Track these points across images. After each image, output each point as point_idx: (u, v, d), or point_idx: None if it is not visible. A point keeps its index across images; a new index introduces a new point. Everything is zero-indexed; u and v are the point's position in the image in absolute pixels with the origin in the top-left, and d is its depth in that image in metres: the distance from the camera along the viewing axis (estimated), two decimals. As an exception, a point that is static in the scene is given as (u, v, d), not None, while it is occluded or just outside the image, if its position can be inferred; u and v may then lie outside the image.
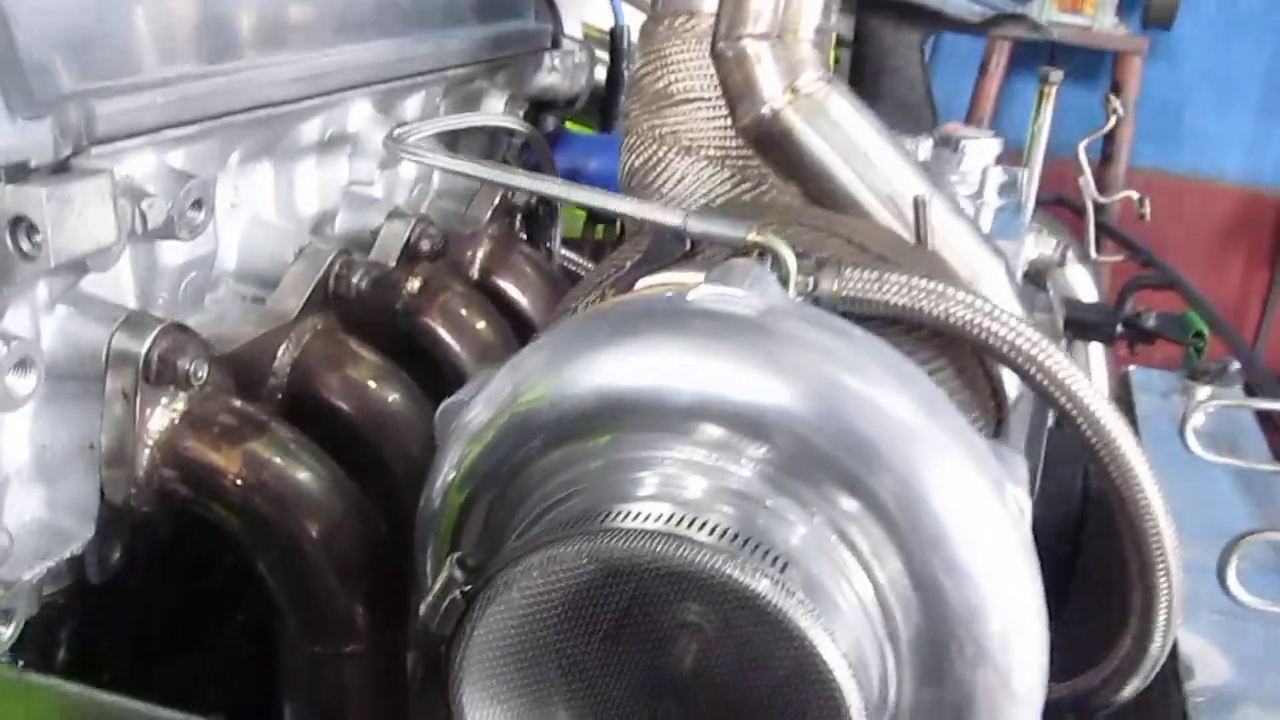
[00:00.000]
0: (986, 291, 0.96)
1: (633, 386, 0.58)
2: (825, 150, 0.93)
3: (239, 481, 0.71)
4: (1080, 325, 1.86)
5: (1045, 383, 0.70)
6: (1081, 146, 1.88)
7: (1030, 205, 1.73)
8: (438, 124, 0.95)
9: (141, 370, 0.68)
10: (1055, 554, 1.34)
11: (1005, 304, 0.96)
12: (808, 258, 0.72)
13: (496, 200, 1.10)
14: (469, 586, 0.56)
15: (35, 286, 0.64)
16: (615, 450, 0.58)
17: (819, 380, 0.57)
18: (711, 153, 1.03)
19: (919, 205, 0.89)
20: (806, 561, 0.54)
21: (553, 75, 1.23)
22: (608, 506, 0.55)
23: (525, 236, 1.16)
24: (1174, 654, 0.94)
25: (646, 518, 0.54)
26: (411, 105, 1.02)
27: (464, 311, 0.98)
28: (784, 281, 0.68)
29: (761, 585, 0.51)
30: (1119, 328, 1.82)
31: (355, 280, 0.85)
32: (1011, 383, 0.87)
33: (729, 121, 0.95)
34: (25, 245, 0.58)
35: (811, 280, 0.70)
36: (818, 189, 0.95)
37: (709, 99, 1.01)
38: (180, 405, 0.70)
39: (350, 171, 0.95)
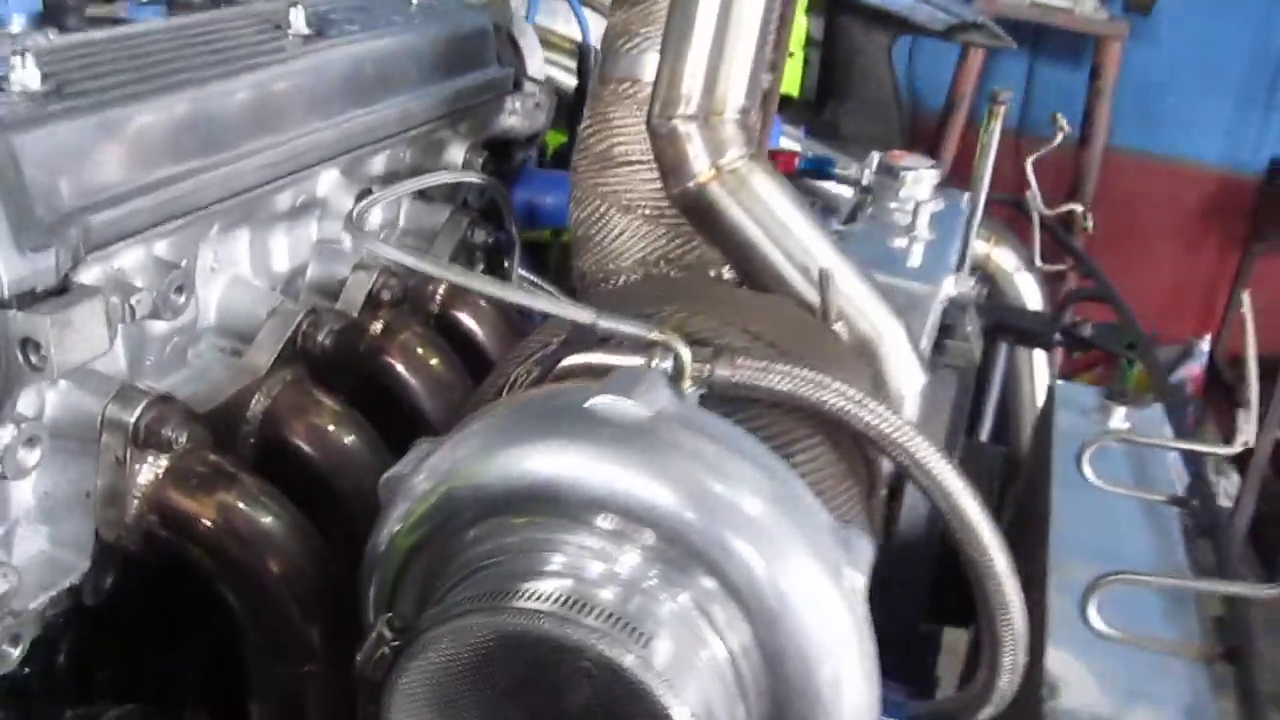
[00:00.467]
0: (887, 350, 1.08)
1: (540, 480, 0.71)
2: (746, 221, 1.05)
3: (211, 526, 0.84)
4: (1021, 333, 1.99)
5: (905, 461, 0.83)
6: (1029, 162, 1.99)
7: (976, 219, 1.86)
8: (399, 189, 1.06)
9: (131, 436, 0.80)
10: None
11: (904, 361, 1.09)
12: (706, 346, 0.84)
13: (457, 239, 1.22)
14: (396, 643, 0.69)
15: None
16: (528, 530, 0.71)
17: (688, 483, 0.69)
18: (648, 212, 1.15)
19: (824, 278, 1.02)
20: (670, 635, 0.67)
21: (513, 118, 1.34)
22: (512, 584, 0.68)
23: (485, 269, 1.28)
24: (1041, 673, 1.08)
25: (540, 597, 0.67)
26: (377, 164, 1.14)
27: (420, 350, 1.11)
28: (680, 374, 0.80)
29: (627, 660, 0.64)
30: (1057, 336, 1.94)
31: (320, 338, 0.97)
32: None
33: (664, 185, 1.06)
34: (34, 359, 0.70)
35: (708, 368, 0.82)
36: (738, 255, 1.07)
37: (647, 163, 1.12)
38: (163, 463, 0.83)
39: (319, 230, 1.07)
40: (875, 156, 1.62)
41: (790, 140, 1.99)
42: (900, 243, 1.44)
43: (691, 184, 1.04)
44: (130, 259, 0.82)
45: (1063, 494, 1.38)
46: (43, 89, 0.77)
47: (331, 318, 1.01)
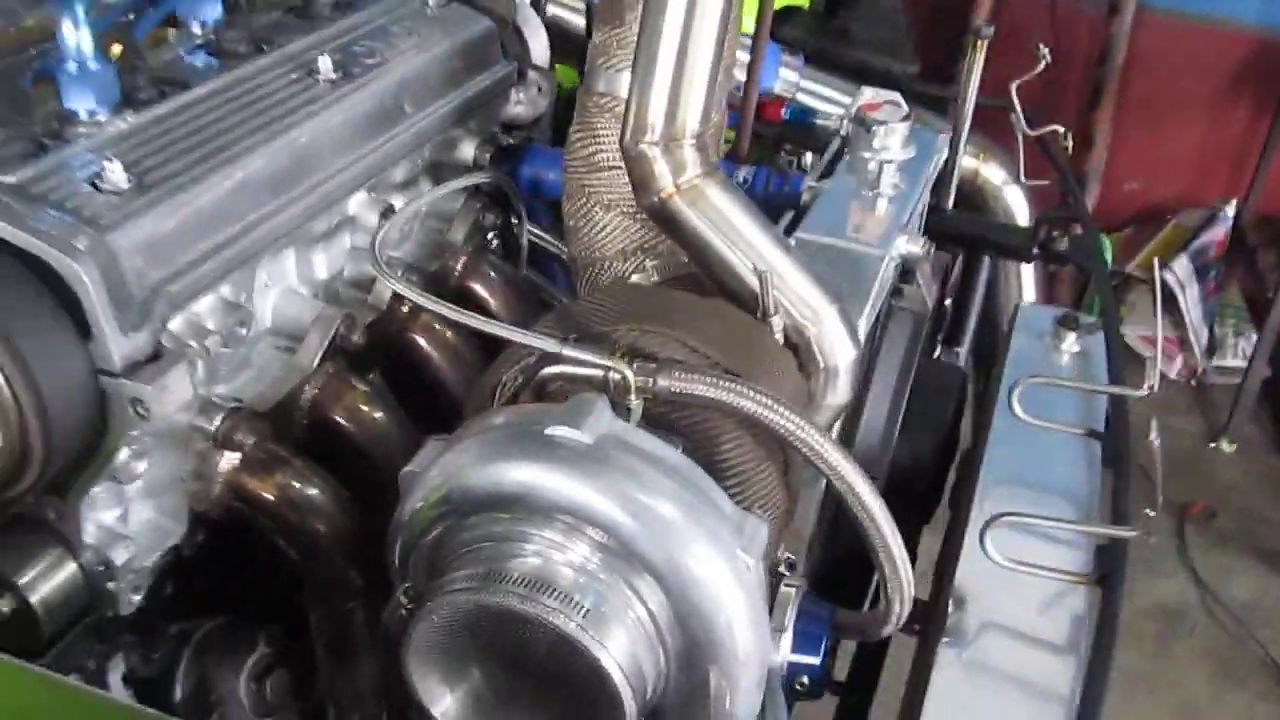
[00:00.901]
0: (823, 330, 1.31)
1: (514, 489, 0.96)
2: (703, 228, 1.27)
3: (272, 500, 1.11)
4: (1003, 248, 2.19)
5: (803, 449, 1.06)
6: (1014, 86, 2.14)
7: (960, 148, 2.04)
8: (421, 201, 1.29)
9: (211, 439, 1.07)
10: (922, 478, 1.72)
11: (837, 339, 1.32)
12: (651, 361, 1.08)
13: (471, 221, 1.46)
14: (410, 608, 0.97)
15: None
16: (507, 524, 0.97)
17: (620, 493, 0.94)
18: (626, 209, 1.37)
19: (762, 280, 1.24)
20: (604, 604, 0.94)
21: (518, 107, 1.55)
22: (492, 567, 0.95)
23: (499, 244, 1.52)
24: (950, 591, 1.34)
25: (508, 579, 0.93)
26: (398, 174, 1.36)
27: (438, 327, 1.36)
28: (627, 390, 1.04)
29: (570, 627, 0.91)
30: (1035, 250, 2.13)
31: (355, 337, 1.22)
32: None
33: (639, 190, 1.28)
34: (141, 411, 0.96)
35: (651, 381, 1.06)
36: (697, 255, 1.29)
37: (624, 169, 1.33)
38: (236, 457, 1.10)
39: (351, 240, 1.31)
40: (854, 105, 1.80)
41: (789, 70, 2.15)
42: (867, 198, 1.64)
43: (657, 198, 1.26)
44: (203, 306, 1.07)
45: (1000, 423, 1.61)
46: (129, 186, 1.01)
47: (365, 312, 1.26)
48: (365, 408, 1.23)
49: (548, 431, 0.97)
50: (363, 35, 1.37)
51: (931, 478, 1.73)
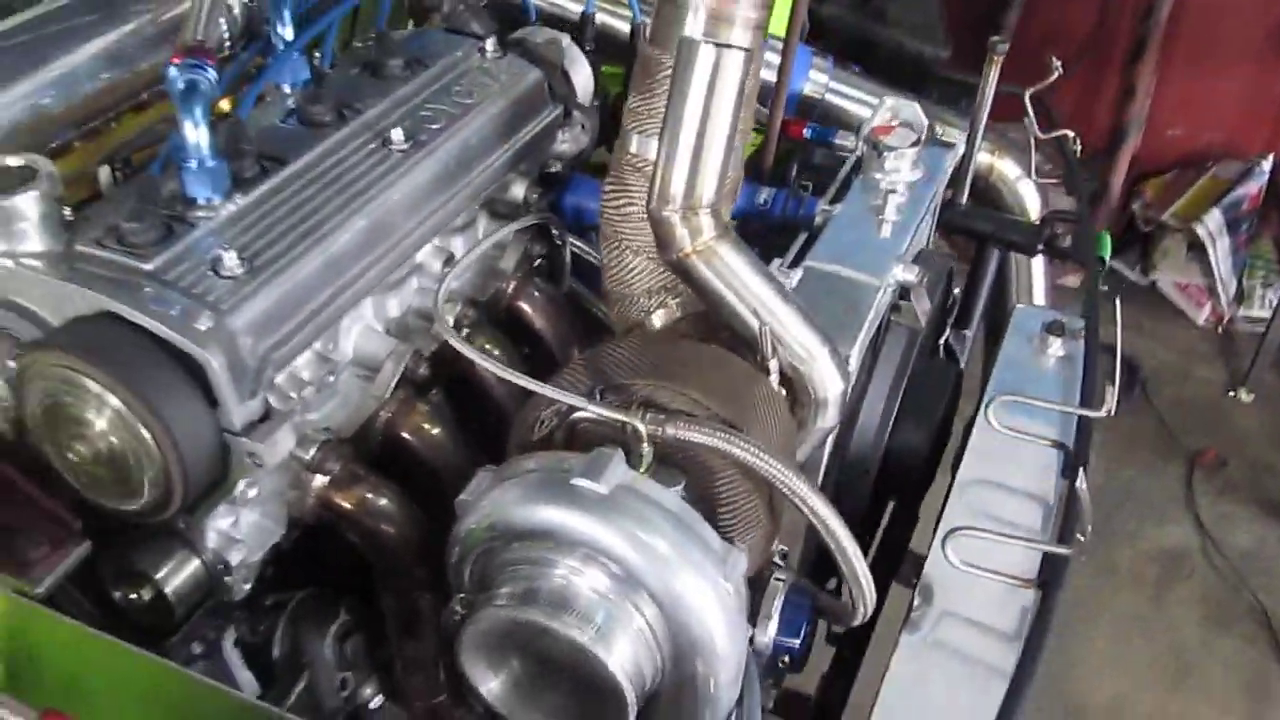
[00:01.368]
0: (816, 367, 1.54)
1: (544, 527, 1.22)
2: (716, 282, 1.50)
3: (352, 510, 1.38)
4: (1010, 242, 2.38)
5: (784, 488, 1.31)
6: (1027, 94, 2.31)
7: (973, 157, 2.22)
8: (475, 251, 1.53)
9: (307, 465, 1.34)
10: (915, 463, 1.96)
11: (827, 374, 1.55)
12: (663, 412, 1.32)
13: (520, 252, 1.69)
14: (463, 614, 1.24)
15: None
16: (539, 552, 1.23)
17: (627, 535, 1.20)
18: (652, 255, 1.59)
19: (762, 334, 1.47)
20: (611, 619, 1.20)
21: (564, 145, 1.77)
22: (525, 587, 1.21)
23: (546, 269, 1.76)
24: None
25: (537, 600, 1.19)
26: (459, 220, 1.60)
27: (485, 345, 1.61)
28: (639, 439, 1.29)
29: (584, 639, 1.17)
30: (1040, 246, 2.33)
31: (420, 369, 1.48)
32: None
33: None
34: (256, 462, 1.23)
35: (661, 430, 1.31)
36: (711, 304, 1.52)
37: (651, 222, 1.56)
38: (326, 478, 1.36)
39: (419, 282, 1.55)
40: (869, 124, 2.00)
41: (819, 73, 2.33)
42: (871, 225, 1.85)
43: (676, 256, 1.49)
44: (300, 361, 1.33)
45: (977, 435, 1.83)
46: (242, 272, 1.26)
47: (429, 340, 1.51)
48: (429, 428, 1.49)
49: (573, 482, 1.22)
50: (428, 97, 1.59)
51: (924, 463, 1.95)
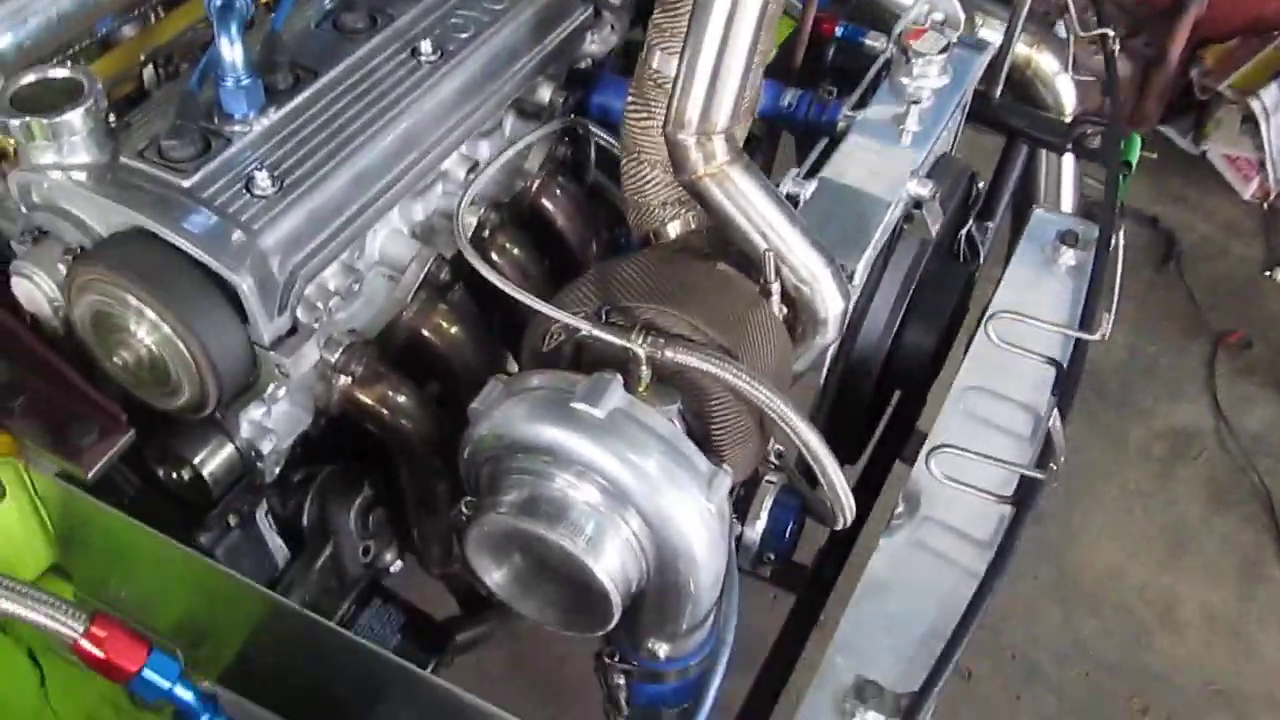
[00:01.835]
0: (819, 287, 1.60)
1: (545, 443, 1.32)
2: (726, 204, 1.56)
3: (373, 404, 1.50)
4: (1039, 140, 2.39)
5: (769, 411, 1.40)
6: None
7: (1011, 48, 2.20)
8: (505, 155, 1.60)
9: (332, 366, 1.44)
10: (921, 360, 2.03)
11: (829, 294, 1.61)
12: (663, 335, 1.41)
13: (546, 152, 1.75)
14: (469, 515, 1.36)
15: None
16: (540, 465, 1.34)
17: (619, 454, 1.30)
18: (668, 169, 1.64)
19: (766, 259, 1.53)
20: (601, 529, 1.31)
21: (592, 46, 1.80)
22: (525, 495, 1.32)
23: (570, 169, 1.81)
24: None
25: (534, 509, 1.31)
26: (485, 125, 1.65)
27: (506, 245, 1.69)
28: (638, 362, 1.38)
29: (576, 548, 1.29)
30: (1068, 145, 2.34)
31: (442, 274, 1.56)
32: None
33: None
34: (283, 372, 1.33)
35: (660, 352, 1.40)
36: (722, 224, 1.58)
37: (669, 138, 1.61)
38: (349, 377, 1.47)
39: (444, 188, 1.62)
40: (900, 26, 2.00)
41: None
42: (892, 135, 1.88)
43: (690, 177, 1.55)
44: (327, 273, 1.42)
45: (976, 347, 1.90)
46: (273, 190, 1.34)
47: (450, 246, 1.59)
48: (449, 328, 1.59)
49: (572, 405, 1.32)
50: (458, 3, 1.62)
51: (930, 359, 2.01)
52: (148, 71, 1.56)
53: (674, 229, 1.68)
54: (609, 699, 1.55)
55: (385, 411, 1.51)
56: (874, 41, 2.08)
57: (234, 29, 1.36)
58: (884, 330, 1.93)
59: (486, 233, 1.66)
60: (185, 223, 1.29)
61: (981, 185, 2.44)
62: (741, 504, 1.66)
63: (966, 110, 2.21)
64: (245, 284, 1.28)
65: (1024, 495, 1.65)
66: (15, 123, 1.31)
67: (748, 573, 1.68)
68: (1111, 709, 2.99)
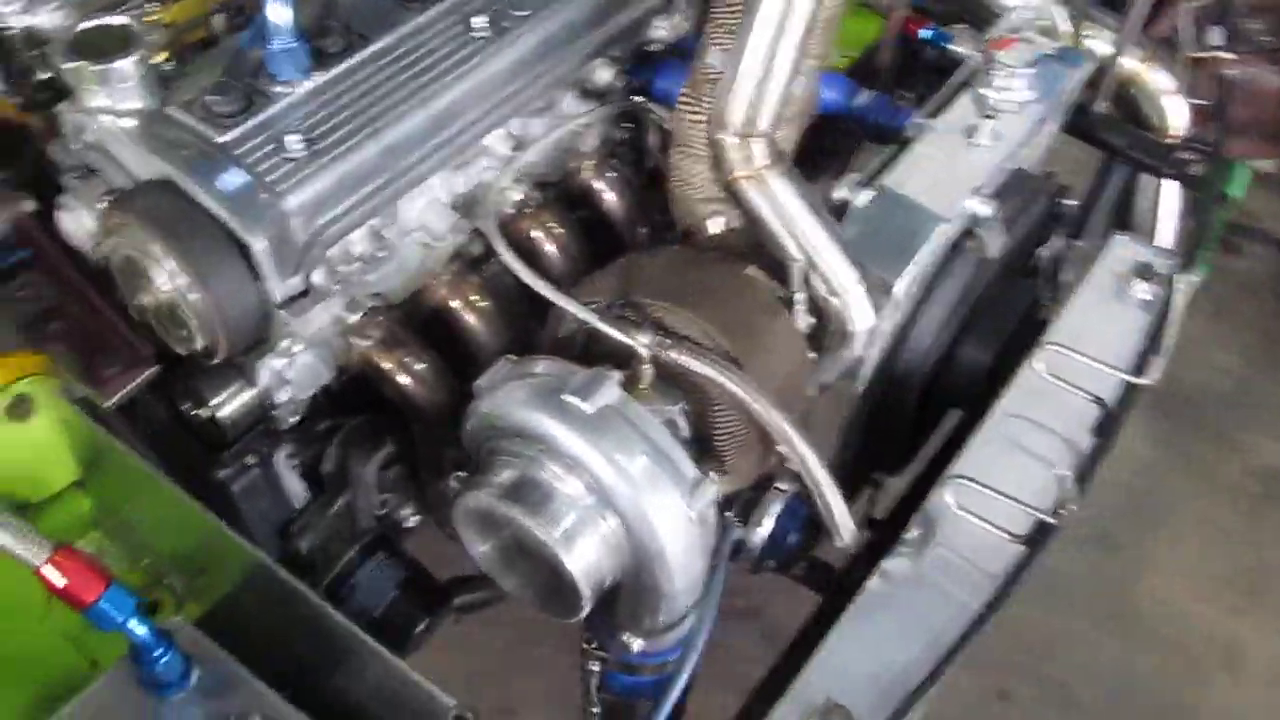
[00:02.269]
0: (848, 300, 1.57)
1: (537, 432, 1.34)
2: (761, 207, 1.54)
3: (388, 368, 1.53)
4: (1136, 161, 2.29)
5: (765, 424, 1.39)
6: (1184, 7, 2.15)
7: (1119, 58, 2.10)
8: (551, 137, 1.60)
9: (350, 328, 1.48)
10: (974, 379, 1.98)
11: (858, 308, 1.58)
12: (671, 336, 1.40)
13: (600, 135, 1.75)
14: (458, 490, 1.38)
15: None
16: (530, 451, 1.36)
17: (605, 452, 1.31)
18: (712, 163, 1.62)
19: (792, 268, 1.51)
20: (580, 524, 1.33)
21: (660, 32, 1.79)
22: (514, 480, 1.34)
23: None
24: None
25: (518, 497, 1.33)
26: (538, 104, 1.65)
27: (550, 224, 1.70)
28: (640, 360, 1.38)
29: (551, 538, 1.31)
30: (1168, 169, 2.24)
31: (475, 251, 1.58)
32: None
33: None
34: (291, 331, 1.37)
35: (665, 352, 1.40)
36: (755, 225, 1.56)
37: (716, 136, 1.59)
38: (368, 339, 1.50)
39: (486, 161, 1.63)
40: (991, 33, 1.93)
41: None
42: (961, 148, 1.82)
43: (728, 177, 1.53)
44: (354, 236, 1.45)
45: (1023, 376, 1.84)
46: (304, 153, 1.37)
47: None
48: (477, 300, 1.61)
49: (563, 398, 1.33)
50: (523, -21, 1.63)
51: (986, 377, 1.95)
52: (217, 19, 1.60)
53: (714, 226, 1.67)
54: (584, 684, 1.58)
55: (400, 376, 1.54)
56: (961, 47, 2.01)
57: (284, -7, 1.39)
58: (932, 345, 1.88)
59: (527, 210, 1.67)
60: (211, 178, 1.33)
61: (1074, 202, 2.37)
62: (747, 508, 1.66)
63: (1062, 122, 2.13)
64: (259, 244, 1.32)
65: (1036, 537, 1.61)
66: (70, 66, 1.37)
67: (777, 571, 1.69)
68: (1150, 752, 2.91)
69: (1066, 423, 1.78)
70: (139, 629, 1.11)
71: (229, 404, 1.50)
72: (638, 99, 1.77)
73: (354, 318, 1.48)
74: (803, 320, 1.56)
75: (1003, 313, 2.01)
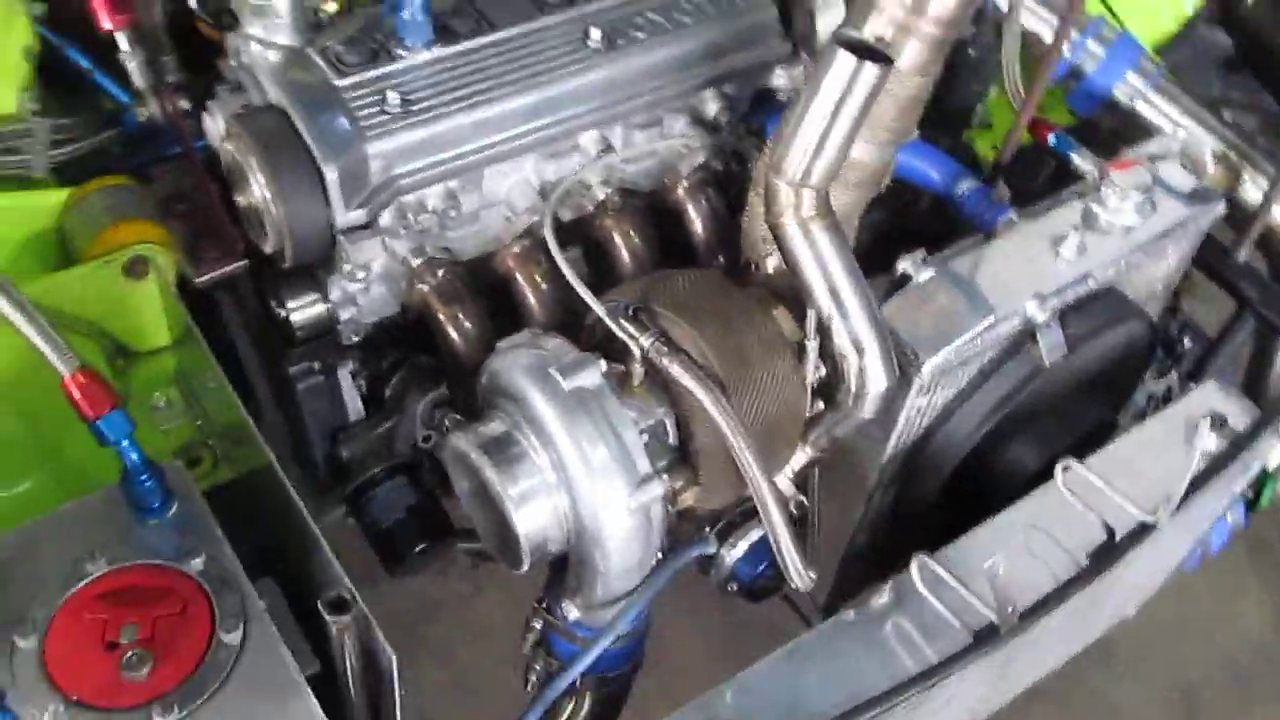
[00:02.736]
0: (865, 361, 1.64)
1: (520, 396, 1.49)
2: (799, 252, 1.63)
3: (439, 315, 1.71)
4: (1264, 318, 2.23)
5: (737, 460, 1.49)
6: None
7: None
8: (650, 147, 1.76)
9: (411, 271, 1.68)
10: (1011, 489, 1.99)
11: (874, 369, 1.65)
12: (668, 345, 1.52)
13: (698, 161, 1.89)
14: (449, 429, 1.55)
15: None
16: (517, 415, 1.51)
17: (571, 431, 1.45)
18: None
19: (810, 316, 1.60)
20: (535, 489, 1.47)
21: (780, 80, 1.90)
22: (492, 435, 1.50)
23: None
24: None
25: (490, 452, 1.48)
26: (641, 119, 1.80)
27: (629, 230, 1.85)
28: (633, 359, 1.51)
29: (506, 494, 1.46)
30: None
31: (542, 233, 1.75)
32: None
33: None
34: (345, 255, 1.58)
35: (661, 359, 1.52)
36: (792, 269, 1.65)
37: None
38: (427, 284, 1.69)
39: (579, 158, 1.79)
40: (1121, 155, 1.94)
41: (1138, 76, 2.21)
42: (1043, 253, 1.85)
43: (775, 219, 1.63)
44: (432, 191, 1.64)
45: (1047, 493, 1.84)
46: (398, 109, 1.57)
47: (567, 210, 1.77)
48: (539, 280, 1.78)
49: (549, 369, 1.48)
50: (653, 5, 1.78)
51: (1024, 483, 1.96)
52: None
53: (771, 263, 1.77)
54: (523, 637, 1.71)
55: (446, 325, 1.72)
56: (1082, 160, 2.03)
57: (415, -29, 1.60)
58: (967, 437, 1.92)
59: (610, 210, 1.82)
60: (315, 113, 1.56)
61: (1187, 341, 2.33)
62: (728, 529, 1.75)
63: (1187, 259, 2.12)
64: (331, 174, 1.53)
65: (983, 636, 1.63)
66: (238, -2, 1.63)
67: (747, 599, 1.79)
68: None
69: (1076, 538, 1.79)
70: (131, 453, 1.32)
71: (302, 310, 1.72)
72: (739, 136, 1.89)
73: (417, 261, 1.67)
74: (811, 368, 1.65)
75: (1064, 424, 2.02)
